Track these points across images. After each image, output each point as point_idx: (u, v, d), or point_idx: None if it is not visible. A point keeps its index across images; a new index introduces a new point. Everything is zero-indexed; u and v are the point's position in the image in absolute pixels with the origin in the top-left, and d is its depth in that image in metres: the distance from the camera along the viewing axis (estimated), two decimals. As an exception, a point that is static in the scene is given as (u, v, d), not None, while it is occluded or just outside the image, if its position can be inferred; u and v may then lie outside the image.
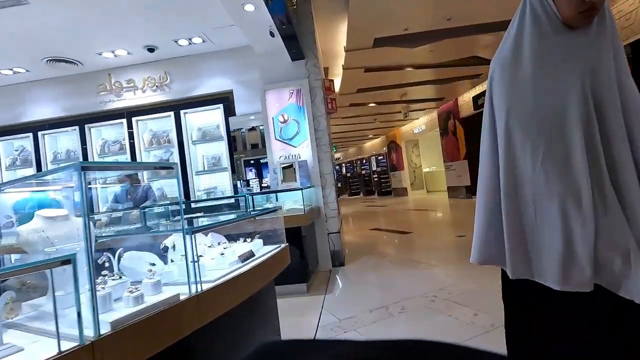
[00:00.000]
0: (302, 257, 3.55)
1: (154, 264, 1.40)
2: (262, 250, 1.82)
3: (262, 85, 4.50)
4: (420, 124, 14.87)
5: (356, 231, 7.52)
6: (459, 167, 11.78)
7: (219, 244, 1.69)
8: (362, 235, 6.95)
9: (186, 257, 1.15)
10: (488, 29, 5.81)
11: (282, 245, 1.97)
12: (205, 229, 1.25)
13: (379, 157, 21.98)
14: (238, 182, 5.93)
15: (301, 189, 3.53)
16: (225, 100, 5.05)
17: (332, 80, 5.33)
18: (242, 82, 4.96)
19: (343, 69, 6.84)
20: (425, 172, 17.59)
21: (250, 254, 1.62)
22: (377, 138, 19.97)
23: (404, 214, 9.84)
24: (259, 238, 1.93)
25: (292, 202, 3.79)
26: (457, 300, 2.78)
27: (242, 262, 1.53)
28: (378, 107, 11.05)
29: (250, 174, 5.73)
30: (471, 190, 11.41)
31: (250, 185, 5.67)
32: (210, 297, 1.22)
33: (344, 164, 29.15)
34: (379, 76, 7.66)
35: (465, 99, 11.00)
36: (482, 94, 9.81)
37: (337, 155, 28.16)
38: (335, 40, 6.06)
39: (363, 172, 24.39)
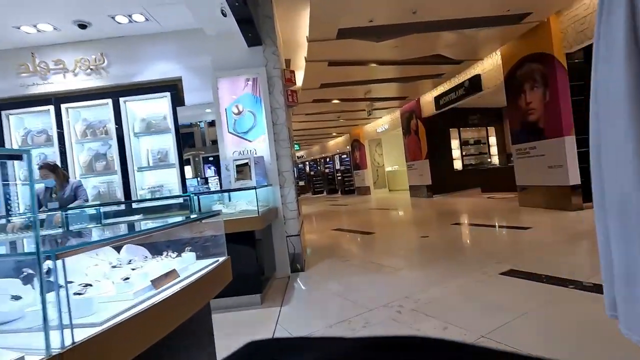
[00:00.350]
0: (256, 264, 3.17)
1: (18, 297, 0.98)
2: (192, 267, 1.43)
3: (214, 72, 4.04)
4: (384, 123, 14.90)
5: (318, 232, 7.23)
6: (420, 167, 11.89)
7: (129, 261, 1.28)
8: (324, 236, 6.67)
9: (41, 292, 0.75)
10: (452, 26, 5.73)
11: (221, 259, 1.59)
12: (74, 250, 0.83)
13: (343, 156, 21.93)
14: (196, 180, 5.41)
15: (255, 188, 3.14)
16: (172, 88, 4.51)
17: (293, 72, 4.97)
18: (193, 68, 4.45)
19: (306, 61, 6.49)
20: (388, 171, 17.74)
21: (172, 276, 1.22)
22: (341, 136, 19.86)
23: (367, 213, 9.70)
24: (190, 251, 1.54)
25: (246, 202, 3.39)
26: (425, 311, 2.54)
27: (157, 288, 1.13)
28: (342, 104, 10.84)
29: (210, 172, 5.21)
30: (432, 190, 11.55)
31: (209, 184, 5.18)
32: (92, 351, 0.82)
33: (307, 162, 28.88)
34: (343, 71, 7.40)
35: (428, 99, 11.08)
36: (444, 94, 9.90)
37: (300, 153, 27.80)
38: (298, 29, 5.69)
39: (327, 170, 24.26)
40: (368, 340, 0.36)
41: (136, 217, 3.50)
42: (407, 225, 6.92)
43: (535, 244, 4.11)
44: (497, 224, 5.74)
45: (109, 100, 4.45)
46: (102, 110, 4.54)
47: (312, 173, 26.68)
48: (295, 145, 20.52)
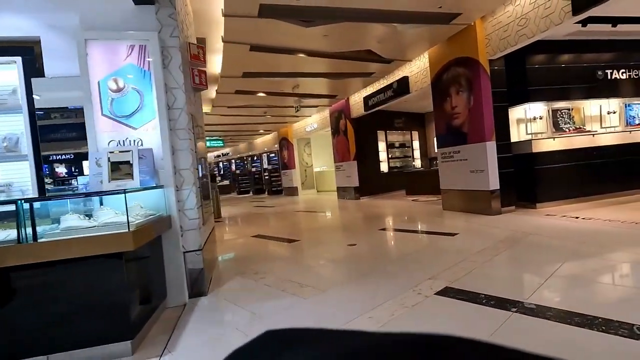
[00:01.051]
0: (126, 297, 2.27)
1: None
2: None
3: (83, 33, 2.98)
4: (313, 121, 14.46)
5: (235, 239, 6.35)
6: (348, 168, 11.66)
7: None
8: (241, 244, 5.83)
9: None
10: (384, 18, 5.36)
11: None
12: None
13: (271, 155, 21.07)
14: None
15: (125, 193, 2.22)
16: (27, 51, 3.29)
17: (203, 48, 4.06)
18: (57, 27, 3.28)
19: (223, 42, 5.58)
20: (317, 171, 17.39)
21: None
22: (269, 134, 18.99)
23: (292, 216, 9.06)
24: None
25: (116, 212, 2.44)
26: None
27: None
28: (268, 98, 10.04)
29: (61, 168, 4.03)
30: (359, 191, 11.39)
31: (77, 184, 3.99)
32: None
33: (233, 160, 27.34)
34: (267, 59, 6.63)
35: (357, 99, 10.87)
36: (373, 94, 9.73)
37: (225, 150, 26.17)
38: (213, 1, 4.78)
39: (254, 169, 23.14)
40: (396, 336, 0.33)
41: None
42: (334, 231, 6.43)
43: (465, 253, 3.86)
44: (424, 230, 5.53)
45: None
46: None
47: (237, 172, 25.29)
48: (219, 142, 19.09)
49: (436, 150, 14.35)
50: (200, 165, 3.81)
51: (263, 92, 9.29)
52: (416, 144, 14.13)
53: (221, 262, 4.65)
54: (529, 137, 6.50)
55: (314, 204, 11.68)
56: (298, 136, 16.07)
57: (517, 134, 6.63)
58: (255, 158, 24.76)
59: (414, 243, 4.74)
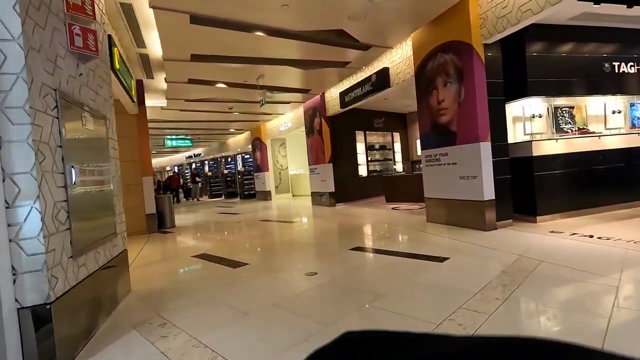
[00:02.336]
0: None
1: None
2: None
3: None
4: (287, 120, 13.27)
5: (171, 260, 5.08)
6: (323, 171, 10.53)
7: None
8: (172, 269, 4.58)
9: None
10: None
11: None
12: None
13: (246, 156, 19.74)
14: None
15: None
16: None
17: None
18: None
19: (151, 6, 4.34)
20: (292, 174, 16.20)
21: None
22: (242, 133, 17.66)
23: (255, 227, 7.83)
24: None
25: None
26: None
27: None
28: (231, 91, 8.80)
29: None
30: (335, 197, 10.27)
31: None
32: None
33: (206, 162, 25.77)
34: (217, 37, 5.42)
35: (333, 94, 9.77)
36: (350, 89, 8.64)
37: (197, 150, 24.60)
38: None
39: (226, 171, 21.71)
40: (480, 340, 0.32)
41: None
42: (297, 250, 5.26)
43: (462, 294, 2.76)
44: (405, 251, 4.43)
45: None
46: None
47: (210, 173, 23.77)
48: (186, 141, 17.61)
49: (419, 153, 13.46)
50: (69, 169, 2.56)
51: (223, 83, 8.03)
52: (397, 146, 13.16)
53: (131, 298, 3.39)
54: (527, 137, 5.54)
55: (284, 211, 10.47)
56: (272, 136, 14.84)
57: (512, 135, 5.66)
58: (229, 159, 23.33)
59: (391, 273, 3.62)
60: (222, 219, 9.89)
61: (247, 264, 4.37)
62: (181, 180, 20.54)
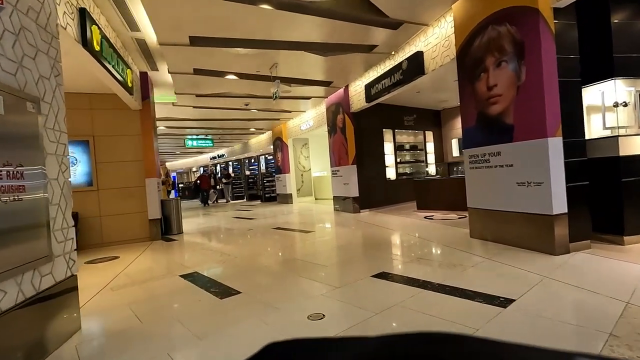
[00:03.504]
0: None
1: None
2: None
3: None
4: (308, 118, 12.33)
5: (153, 280, 4.22)
6: (346, 173, 9.47)
7: None
8: (149, 295, 3.71)
9: None
10: None
11: None
12: None
13: (269, 157, 19.03)
14: None
15: None
16: None
17: None
18: None
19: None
20: (315, 176, 15.25)
21: None
22: (263, 133, 16.93)
23: (266, 236, 6.92)
24: None
25: None
26: None
27: None
28: (244, 84, 7.96)
29: None
30: (359, 203, 9.18)
31: None
32: None
33: (230, 163, 25.37)
34: (216, 13, 4.54)
35: (358, 88, 8.71)
36: (377, 80, 7.55)
37: (221, 151, 24.25)
38: None
39: (249, 172, 21.12)
40: (394, 338, 0.34)
41: None
42: (304, 273, 4.25)
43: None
44: (448, 283, 3.30)
45: None
46: None
47: (233, 175, 23.31)
48: (207, 141, 17.11)
49: (455, 154, 12.06)
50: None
51: (233, 74, 7.19)
52: (430, 147, 11.86)
53: (70, 346, 2.51)
54: (607, 132, 4.23)
55: (302, 218, 9.50)
56: (293, 136, 13.94)
57: (587, 129, 4.36)
58: (252, 160, 22.77)
59: (432, 322, 2.52)
60: (234, 224, 9.06)
61: (238, 292, 3.41)
62: (212, 180, 18.45)
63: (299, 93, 9.24)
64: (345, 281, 3.57)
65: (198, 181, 17.01)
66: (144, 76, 7.16)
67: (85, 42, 3.90)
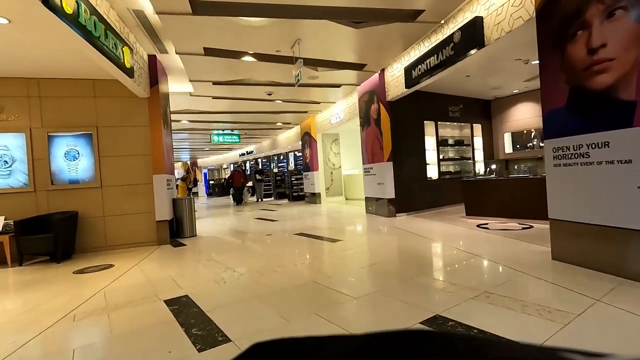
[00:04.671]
0: None
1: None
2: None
3: None
4: (339, 110, 11.18)
5: (131, 307, 3.28)
6: (380, 172, 8.25)
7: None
8: (103, 339, 2.77)
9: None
10: None
11: None
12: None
13: (298, 154, 18.12)
14: None
15: None
16: None
17: None
18: None
19: None
20: (345, 175, 14.10)
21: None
22: (291, 128, 16.00)
23: (283, 245, 5.91)
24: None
25: None
26: None
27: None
28: (264, 68, 6.98)
29: None
30: (395, 205, 7.94)
31: None
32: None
33: (259, 159, 24.80)
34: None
35: (395, 72, 7.46)
36: (421, 59, 6.28)
37: (250, 147, 23.69)
38: None
39: (277, 170, 20.34)
40: (379, 336, 0.35)
41: None
42: (323, 308, 3.15)
43: None
44: (542, 341, 2.08)
45: None
46: None
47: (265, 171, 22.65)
48: (233, 137, 16.45)
49: (508, 150, 10.32)
50: None
51: (249, 55, 6.22)
52: (478, 142, 10.32)
53: None
54: None
55: (330, 221, 8.41)
56: (323, 130, 12.85)
57: None
58: (281, 157, 22.03)
59: None
60: (253, 227, 8.15)
61: (227, 340, 2.37)
62: (244, 177, 16.11)
63: (327, 79, 8.13)
64: (382, 327, 2.42)
65: (230, 179, 15.22)
66: (152, 60, 6.36)
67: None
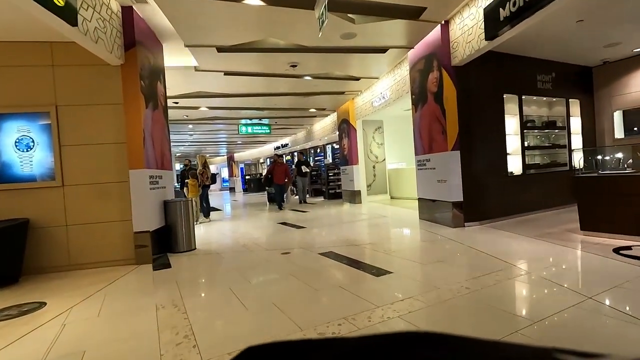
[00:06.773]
0: None
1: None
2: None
3: None
4: (384, 88, 8.96)
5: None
6: (441, 164, 5.99)
7: None
8: None
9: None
10: None
11: None
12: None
13: (336, 146, 16.10)
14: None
15: None
16: None
17: None
18: None
19: None
20: (390, 169, 11.87)
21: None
22: (327, 115, 13.99)
23: (299, 278, 3.97)
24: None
25: None
26: None
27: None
28: (274, 17, 5.03)
29: None
30: (464, 210, 5.68)
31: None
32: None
33: (295, 153, 23.11)
34: None
35: (467, 22, 5.15)
36: (517, -17, 3.97)
37: (285, 140, 22.07)
38: None
39: (313, 164, 18.48)
40: (374, 338, 0.35)
41: None
42: None
43: None
44: None
45: None
46: None
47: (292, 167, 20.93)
48: (263, 127, 14.80)
49: (618, 135, 7.43)
50: None
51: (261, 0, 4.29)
52: (576, 123, 7.62)
53: None
54: None
55: (371, 233, 6.31)
56: (363, 116, 10.68)
57: None
58: (318, 150, 20.14)
59: None
60: (272, 237, 6.28)
61: None
62: (288, 171, 11.77)
63: (368, 39, 5.99)
64: None
65: (269, 174, 11.13)
66: (127, 13, 4.67)
67: None
